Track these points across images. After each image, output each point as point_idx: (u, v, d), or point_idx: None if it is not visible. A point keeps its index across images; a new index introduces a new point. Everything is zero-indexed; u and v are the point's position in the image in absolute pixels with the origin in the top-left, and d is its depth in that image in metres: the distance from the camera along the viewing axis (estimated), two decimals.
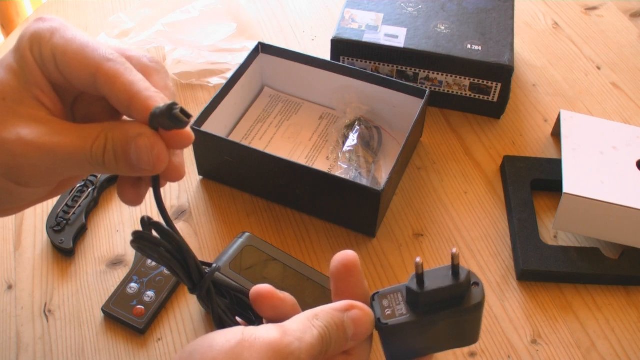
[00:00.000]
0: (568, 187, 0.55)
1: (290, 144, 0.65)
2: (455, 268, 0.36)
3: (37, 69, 0.36)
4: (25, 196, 0.39)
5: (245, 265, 0.50)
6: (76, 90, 0.38)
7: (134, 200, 0.40)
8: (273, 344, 0.34)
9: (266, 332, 0.35)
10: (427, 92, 0.61)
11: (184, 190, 0.62)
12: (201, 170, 0.63)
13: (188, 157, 0.65)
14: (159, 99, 0.35)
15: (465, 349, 0.51)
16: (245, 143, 0.64)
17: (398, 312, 0.37)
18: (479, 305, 0.36)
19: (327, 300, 0.45)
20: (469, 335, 0.39)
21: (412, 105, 0.62)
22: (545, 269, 0.55)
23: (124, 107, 0.36)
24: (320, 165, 0.63)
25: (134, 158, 0.35)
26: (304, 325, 0.36)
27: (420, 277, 0.36)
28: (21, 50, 0.36)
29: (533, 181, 0.61)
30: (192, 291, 0.41)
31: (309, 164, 0.62)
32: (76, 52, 0.36)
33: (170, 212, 0.60)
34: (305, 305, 0.48)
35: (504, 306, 0.54)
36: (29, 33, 0.37)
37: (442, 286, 0.36)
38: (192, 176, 0.63)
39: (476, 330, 0.39)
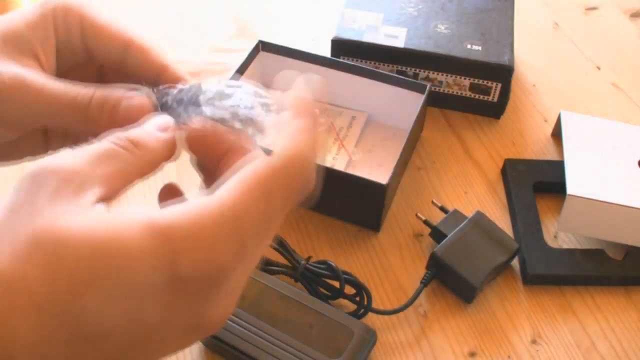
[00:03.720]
0: (571, 188, 0.55)
1: None
2: None
3: (51, 33, 0.37)
4: None
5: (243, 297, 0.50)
6: (91, 60, 0.39)
7: None
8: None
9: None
10: (427, 86, 0.61)
11: (184, 191, 0.62)
12: None
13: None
14: (186, 75, 0.37)
15: (465, 349, 0.51)
16: None
17: None
18: None
19: (332, 328, 0.45)
20: None
21: (413, 101, 0.63)
22: (551, 272, 0.55)
23: (152, 77, 0.37)
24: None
25: (121, 111, 0.35)
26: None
27: None
28: (44, 10, 0.37)
29: (535, 184, 0.61)
30: None
31: None
32: (107, 26, 0.37)
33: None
34: (310, 340, 0.48)
35: (504, 306, 0.54)
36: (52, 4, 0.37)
37: None
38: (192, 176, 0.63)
39: None
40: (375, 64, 0.68)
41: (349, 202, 0.58)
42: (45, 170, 0.27)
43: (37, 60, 0.37)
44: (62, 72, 0.39)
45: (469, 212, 0.57)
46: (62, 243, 0.24)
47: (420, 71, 0.67)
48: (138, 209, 0.26)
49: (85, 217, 0.25)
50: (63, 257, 0.24)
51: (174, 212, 0.26)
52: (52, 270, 0.24)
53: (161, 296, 0.26)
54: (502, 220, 0.60)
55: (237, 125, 0.34)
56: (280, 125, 0.31)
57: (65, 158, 0.27)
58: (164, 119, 0.33)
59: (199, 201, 0.27)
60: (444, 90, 0.68)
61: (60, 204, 0.25)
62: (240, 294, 0.30)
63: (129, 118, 0.34)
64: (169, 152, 0.33)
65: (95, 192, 0.27)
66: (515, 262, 0.56)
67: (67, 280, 0.24)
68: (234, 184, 0.28)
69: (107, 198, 0.28)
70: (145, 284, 0.25)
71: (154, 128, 0.32)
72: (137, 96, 0.35)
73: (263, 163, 0.29)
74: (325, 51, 0.68)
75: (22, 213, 0.25)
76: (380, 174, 0.60)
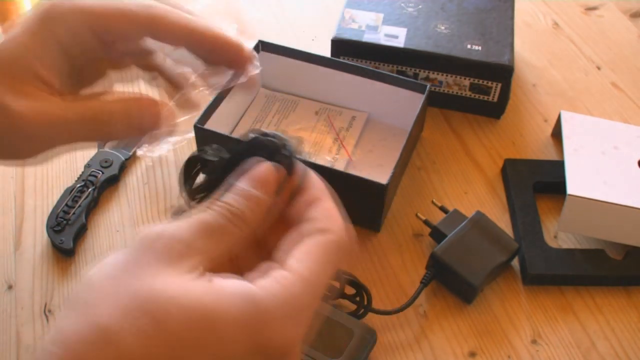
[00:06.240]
0: (572, 188, 0.55)
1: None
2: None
3: (52, 45, 0.37)
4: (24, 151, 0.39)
5: None
6: (112, 47, 0.39)
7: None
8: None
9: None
10: (427, 86, 0.61)
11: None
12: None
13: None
14: (206, 23, 0.39)
15: (465, 349, 0.51)
16: None
17: None
18: None
19: (332, 328, 0.45)
20: None
21: (413, 101, 0.63)
22: (551, 272, 0.55)
23: (187, 44, 0.39)
24: (322, 160, 0.63)
25: (135, 117, 0.37)
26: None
27: None
28: (40, 24, 0.37)
29: (535, 184, 0.61)
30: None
31: (311, 160, 0.62)
32: (118, 14, 0.37)
33: (170, 212, 0.60)
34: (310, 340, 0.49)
35: (504, 306, 0.54)
36: (43, 8, 0.37)
37: None
38: None
39: None
40: (375, 64, 0.68)
41: (349, 202, 0.57)
42: (152, 233, 0.28)
43: (43, 82, 0.37)
44: (78, 69, 0.40)
45: (469, 212, 0.57)
46: (165, 307, 0.25)
47: (420, 71, 0.67)
48: (237, 283, 0.28)
49: (192, 285, 0.27)
50: (165, 320, 0.25)
51: (266, 285, 0.28)
52: (151, 330, 0.25)
53: None
54: (502, 220, 0.60)
55: None
56: (327, 210, 0.32)
57: (174, 226, 0.29)
58: (265, 171, 0.32)
59: (280, 274, 0.28)
60: (444, 90, 0.68)
61: (162, 268, 0.27)
62: None
63: (144, 119, 0.37)
64: (265, 220, 0.33)
65: (195, 261, 0.28)
66: (515, 262, 0.56)
67: (166, 342, 0.25)
68: (302, 255, 0.29)
69: (208, 266, 0.29)
70: (235, 354, 0.26)
71: (256, 188, 0.31)
72: (145, 99, 0.37)
73: (325, 238, 0.30)
74: (325, 51, 0.68)
75: (129, 272, 0.27)
76: (380, 174, 0.60)
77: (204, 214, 0.30)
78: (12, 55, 0.37)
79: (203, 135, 0.58)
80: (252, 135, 0.33)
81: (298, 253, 0.30)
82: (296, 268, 0.29)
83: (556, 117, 0.67)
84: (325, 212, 0.32)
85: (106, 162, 0.62)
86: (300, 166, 0.33)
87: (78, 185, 0.60)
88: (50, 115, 0.36)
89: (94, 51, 0.39)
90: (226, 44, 0.39)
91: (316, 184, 0.33)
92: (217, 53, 0.40)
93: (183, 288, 0.26)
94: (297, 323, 0.28)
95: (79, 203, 0.59)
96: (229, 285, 0.27)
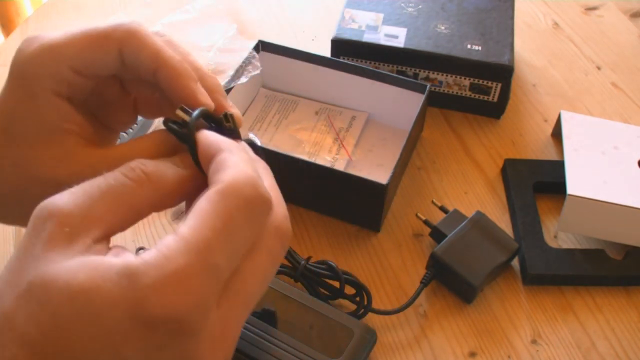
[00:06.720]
0: (572, 188, 0.55)
1: (291, 141, 0.65)
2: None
3: (53, 98, 0.35)
4: None
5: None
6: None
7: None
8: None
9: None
10: (427, 86, 0.61)
11: None
12: None
13: None
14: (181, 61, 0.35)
15: (465, 349, 0.51)
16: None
17: None
18: None
19: (332, 328, 0.45)
20: None
21: (413, 101, 0.63)
22: (551, 272, 0.55)
23: (179, 101, 0.35)
24: (322, 160, 0.63)
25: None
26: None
27: None
28: (25, 89, 0.34)
29: (535, 184, 0.61)
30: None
31: (311, 160, 0.62)
32: (82, 41, 0.35)
33: (168, 213, 0.60)
34: (310, 340, 0.48)
35: (504, 306, 0.54)
36: (20, 68, 0.35)
37: None
38: None
39: None
40: (375, 64, 0.68)
41: (349, 202, 0.58)
42: (44, 212, 0.28)
43: (78, 133, 0.35)
44: (100, 116, 0.38)
45: (469, 212, 0.57)
46: (48, 290, 0.26)
47: (420, 71, 0.67)
48: (117, 258, 0.27)
49: (71, 265, 0.27)
50: (48, 301, 0.26)
51: (146, 257, 0.27)
52: (38, 312, 0.26)
53: (138, 343, 0.26)
54: (502, 220, 0.60)
55: None
56: (218, 163, 0.30)
57: (65, 198, 0.28)
58: (186, 154, 0.32)
59: (164, 242, 0.27)
60: (444, 90, 0.68)
61: (53, 252, 0.27)
62: (237, 335, 0.29)
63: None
64: (184, 189, 0.32)
65: (90, 235, 0.28)
66: (515, 262, 0.56)
67: (52, 321, 0.26)
68: (190, 217, 0.28)
69: (109, 234, 0.28)
70: (118, 330, 0.26)
71: (172, 161, 0.32)
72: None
73: (211, 190, 0.29)
74: (325, 51, 0.68)
75: (25, 261, 0.28)
76: (380, 174, 0.60)
77: (103, 176, 0.29)
78: (31, 123, 0.34)
79: None
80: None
81: (187, 216, 0.28)
82: (180, 231, 0.27)
83: (556, 117, 0.67)
84: (215, 165, 0.30)
85: None
86: (203, 137, 0.32)
87: None
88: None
89: (97, 90, 0.36)
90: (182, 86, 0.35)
91: (215, 144, 0.31)
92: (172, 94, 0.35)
93: (63, 269, 0.27)
94: (183, 291, 0.26)
95: None
96: (108, 261, 0.27)
